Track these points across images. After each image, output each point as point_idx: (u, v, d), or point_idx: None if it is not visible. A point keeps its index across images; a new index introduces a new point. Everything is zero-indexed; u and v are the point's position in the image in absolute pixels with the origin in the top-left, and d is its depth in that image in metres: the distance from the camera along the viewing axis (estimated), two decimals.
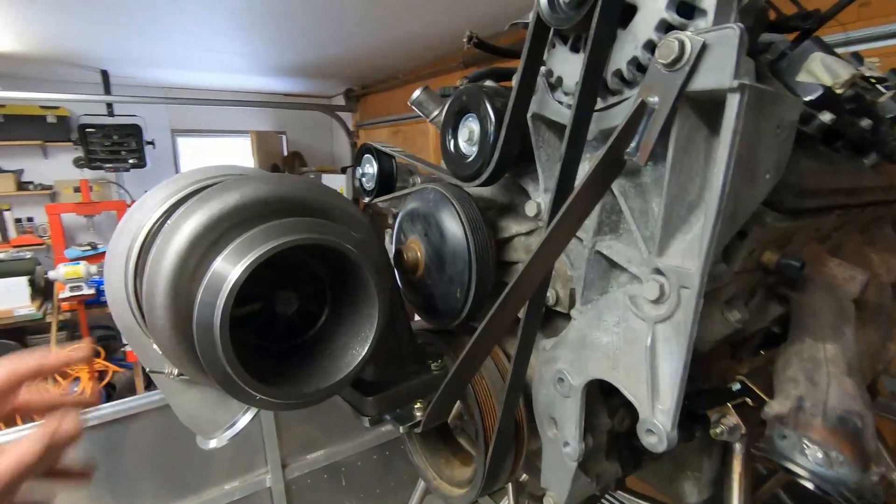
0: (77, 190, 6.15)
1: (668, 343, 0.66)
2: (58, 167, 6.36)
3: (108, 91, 5.84)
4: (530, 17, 0.72)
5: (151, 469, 2.91)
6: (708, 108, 0.61)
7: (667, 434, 0.66)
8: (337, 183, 6.46)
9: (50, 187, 6.38)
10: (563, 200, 0.71)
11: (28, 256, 5.70)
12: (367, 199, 1.23)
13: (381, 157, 1.19)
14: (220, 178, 0.94)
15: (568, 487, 0.85)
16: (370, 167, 1.21)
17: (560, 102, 0.77)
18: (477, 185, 0.85)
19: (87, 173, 6.16)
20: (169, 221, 0.71)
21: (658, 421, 0.67)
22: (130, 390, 6.09)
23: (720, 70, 0.55)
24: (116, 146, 6.01)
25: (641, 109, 0.61)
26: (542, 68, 0.78)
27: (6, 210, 6.25)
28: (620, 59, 0.66)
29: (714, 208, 0.58)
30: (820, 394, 0.74)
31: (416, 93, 1.15)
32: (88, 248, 6.13)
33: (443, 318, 0.96)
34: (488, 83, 1.14)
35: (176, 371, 0.92)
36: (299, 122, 7.91)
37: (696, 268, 0.61)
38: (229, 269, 0.63)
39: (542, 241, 0.68)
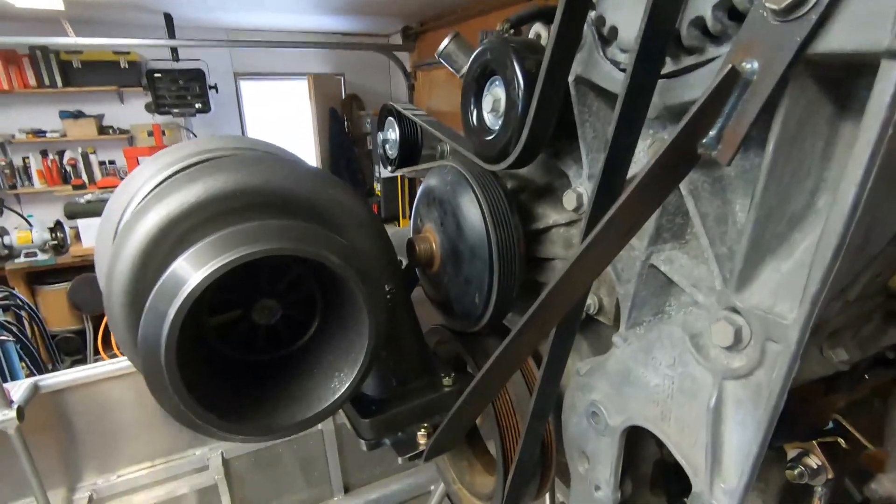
0: (150, 134, 6.42)
1: (740, 408, 0.49)
2: (133, 112, 6.63)
3: (171, 35, 5.89)
4: None
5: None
6: (838, 80, 0.40)
7: None
8: None
9: (127, 131, 6.70)
10: (609, 200, 0.53)
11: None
12: (388, 169, 1.08)
13: (403, 120, 1.02)
14: (211, 153, 0.83)
15: None
16: (392, 132, 1.04)
17: (614, 63, 0.56)
18: (503, 169, 0.68)
19: (158, 118, 6.39)
20: (126, 218, 0.61)
21: (717, 502, 0.50)
22: None
23: (871, 24, 0.34)
24: (182, 91, 6.14)
25: (732, 79, 0.41)
26: (591, 13, 0.56)
27: (91, 153, 6.67)
28: (703, 1, 0.44)
29: (839, 227, 0.38)
30: None
31: (444, 42, 0.95)
32: None
33: (460, 322, 0.82)
34: (535, 30, 0.92)
35: None
36: (357, 64, 7.68)
37: (794, 316, 0.42)
38: (189, 272, 0.51)
39: (578, 253, 0.51)
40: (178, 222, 0.58)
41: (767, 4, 0.37)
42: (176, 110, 6.12)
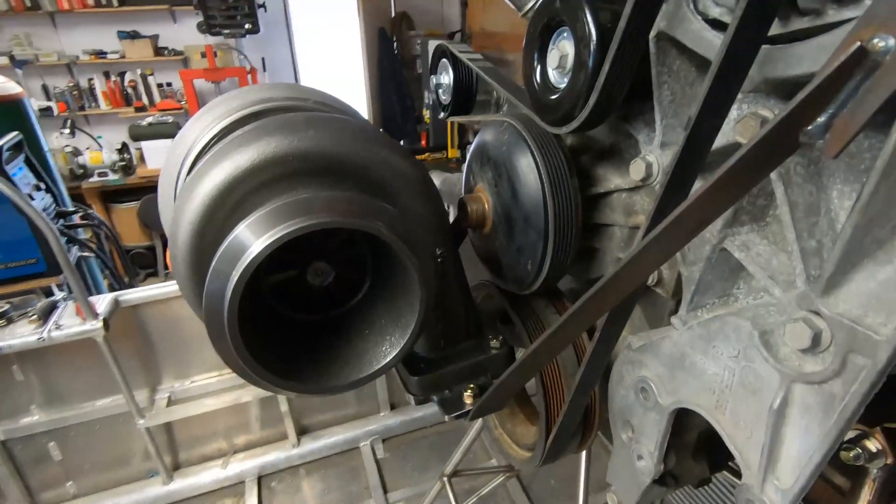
0: (203, 56, 6.43)
1: (807, 413, 0.46)
2: (186, 33, 6.62)
3: None
4: None
5: None
6: None
7: None
8: None
9: (181, 53, 6.73)
10: (686, 180, 0.49)
11: (171, 120, 6.28)
12: (442, 116, 1.03)
13: (457, 63, 0.96)
14: (264, 105, 0.81)
15: (638, 497, 0.74)
16: (446, 76, 0.98)
17: (706, 19, 0.48)
18: (567, 132, 0.62)
19: (210, 39, 6.35)
20: (187, 179, 0.62)
21: (768, 499, 0.50)
22: None
23: None
24: (231, 10, 6.02)
25: (857, 59, 0.34)
26: None
27: (150, 75, 6.79)
28: None
29: None
30: None
31: None
32: None
33: (510, 286, 0.81)
34: None
35: None
36: None
37: (888, 332, 0.38)
38: (251, 239, 0.52)
39: (649, 238, 0.47)
40: (233, 187, 0.58)
41: None
42: (227, 31, 6.04)
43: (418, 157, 6.24)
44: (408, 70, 7.04)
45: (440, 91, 1.02)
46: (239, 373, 0.58)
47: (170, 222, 0.86)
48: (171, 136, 6.03)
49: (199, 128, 0.81)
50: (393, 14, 7.29)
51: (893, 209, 0.39)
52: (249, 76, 6.47)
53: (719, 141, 0.53)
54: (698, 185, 0.49)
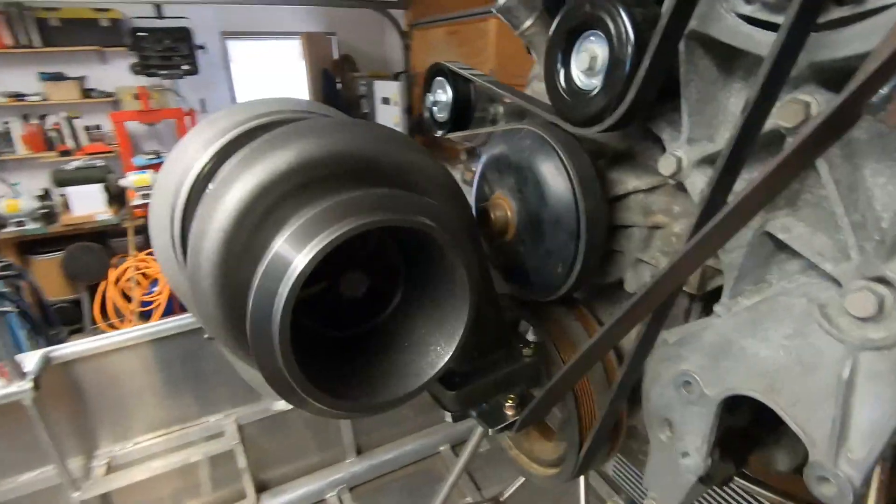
0: (136, 97, 6.17)
1: (878, 381, 0.47)
2: (117, 74, 6.35)
3: None
4: None
5: (226, 375, 3.12)
6: None
7: (853, 490, 0.50)
8: (389, 90, 6.11)
9: (111, 94, 6.43)
10: (740, 161, 0.50)
11: (100, 164, 5.92)
12: (439, 134, 1.03)
13: (456, 80, 0.97)
14: (271, 117, 0.77)
15: (682, 498, 0.73)
16: (443, 94, 0.99)
17: (740, 15, 0.52)
18: (599, 131, 0.64)
19: (144, 80, 6.13)
20: (211, 186, 0.57)
21: (843, 472, 0.50)
22: None
23: None
24: (168, 51, 5.87)
25: None
26: None
27: (76, 118, 6.41)
28: None
29: None
30: None
31: None
32: (153, 156, 6.28)
33: (534, 293, 0.80)
34: None
35: None
36: (349, 22, 7.39)
37: None
38: (293, 254, 0.49)
39: (712, 226, 0.48)
40: (269, 191, 0.54)
41: None
42: (163, 72, 5.87)
43: None
44: (353, 110, 7.10)
45: (436, 109, 1.02)
46: (291, 398, 0.53)
47: (165, 246, 0.79)
48: (102, 180, 5.67)
49: (201, 141, 0.75)
50: (336, 56, 7.40)
51: None
52: (188, 118, 6.27)
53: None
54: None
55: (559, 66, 0.67)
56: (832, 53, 0.46)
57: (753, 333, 0.58)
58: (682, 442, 0.69)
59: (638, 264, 0.79)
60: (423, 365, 0.60)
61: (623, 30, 0.56)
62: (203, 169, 0.73)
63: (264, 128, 0.75)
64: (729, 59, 0.60)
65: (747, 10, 0.52)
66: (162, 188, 0.77)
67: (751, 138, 0.50)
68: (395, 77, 6.74)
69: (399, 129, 5.85)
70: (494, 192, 0.80)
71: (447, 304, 0.60)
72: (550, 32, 0.67)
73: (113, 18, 6.12)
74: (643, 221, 0.76)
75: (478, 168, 0.86)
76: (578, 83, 0.66)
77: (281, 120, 0.77)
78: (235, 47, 6.99)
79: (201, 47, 6.10)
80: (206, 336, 0.85)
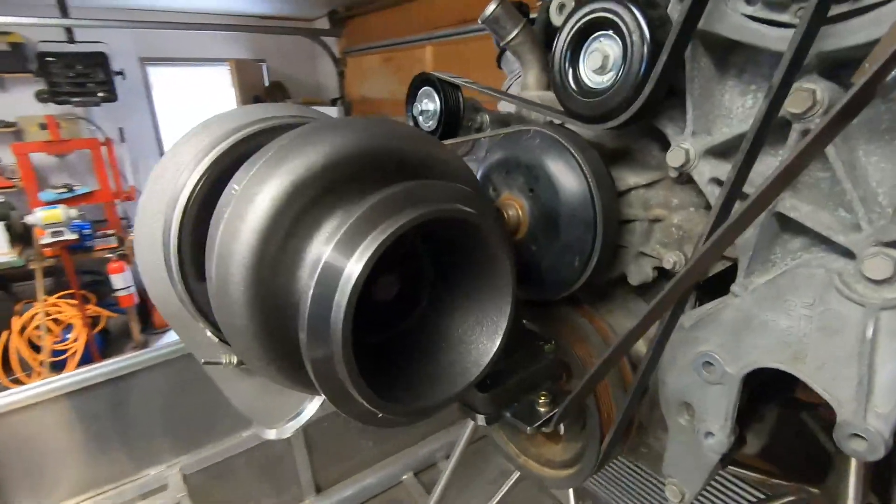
0: (44, 127, 5.65)
1: (895, 336, 0.52)
2: (19, 102, 5.80)
3: (65, 14, 5.19)
4: None
5: (164, 423, 2.84)
6: None
7: (884, 441, 0.54)
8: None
9: (13, 124, 5.84)
10: (760, 146, 0.54)
11: (0, 200, 5.33)
12: None
13: (444, 89, 0.98)
14: (262, 121, 0.74)
15: (704, 479, 0.75)
16: (430, 103, 1.00)
17: (747, 15, 0.57)
18: (610, 127, 0.67)
19: (53, 108, 5.64)
20: (237, 187, 0.53)
21: (872, 426, 0.54)
22: (125, 335, 6.00)
23: None
24: (82, 77, 5.45)
25: None
26: None
27: None
28: None
29: None
30: None
31: (491, 7, 0.92)
32: (64, 189, 5.76)
33: (545, 291, 0.81)
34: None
35: (235, 360, 0.77)
36: (280, 49, 7.28)
37: None
38: (343, 261, 0.46)
39: (744, 208, 0.52)
40: (305, 188, 0.51)
41: None
42: (76, 99, 5.43)
43: None
44: None
45: (422, 119, 1.03)
46: (348, 407, 0.49)
47: (155, 264, 0.71)
48: (4, 217, 5.10)
49: (194, 151, 0.70)
50: (267, 83, 7.23)
51: None
52: (104, 148, 5.83)
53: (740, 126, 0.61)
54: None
55: (567, 66, 0.70)
56: (839, 43, 0.51)
57: (774, 307, 0.62)
58: (704, 423, 0.72)
59: (640, 257, 0.83)
60: (467, 363, 0.58)
61: (639, 30, 0.60)
62: (202, 177, 0.68)
63: (268, 132, 0.71)
64: (724, 57, 0.66)
65: (749, 10, 0.58)
66: (151, 203, 0.71)
67: (769, 125, 0.54)
68: (333, 103, 6.69)
69: None
70: (502, 193, 0.81)
71: (486, 298, 0.59)
72: (562, 33, 0.70)
73: (13, 42, 5.62)
74: (644, 215, 0.79)
75: (478, 172, 0.86)
76: (588, 82, 0.69)
77: (285, 124, 0.73)
78: (158, 73, 6.64)
79: (119, 73, 5.73)
80: (202, 361, 0.78)
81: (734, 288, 0.66)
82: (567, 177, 0.71)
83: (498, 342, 0.58)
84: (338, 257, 0.46)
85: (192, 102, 6.98)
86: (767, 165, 0.61)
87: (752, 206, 0.52)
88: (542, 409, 0.68)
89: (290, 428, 0.91)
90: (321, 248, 0.50)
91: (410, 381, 0.57)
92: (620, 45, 0.63)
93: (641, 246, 0.81)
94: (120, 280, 5.54)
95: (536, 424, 0.67)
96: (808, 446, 1.23)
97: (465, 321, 0.60)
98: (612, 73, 0.66)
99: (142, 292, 6.14)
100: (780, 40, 0.55)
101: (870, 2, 0.48)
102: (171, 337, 6.20)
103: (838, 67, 0.55)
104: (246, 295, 0.51)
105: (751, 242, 0.64)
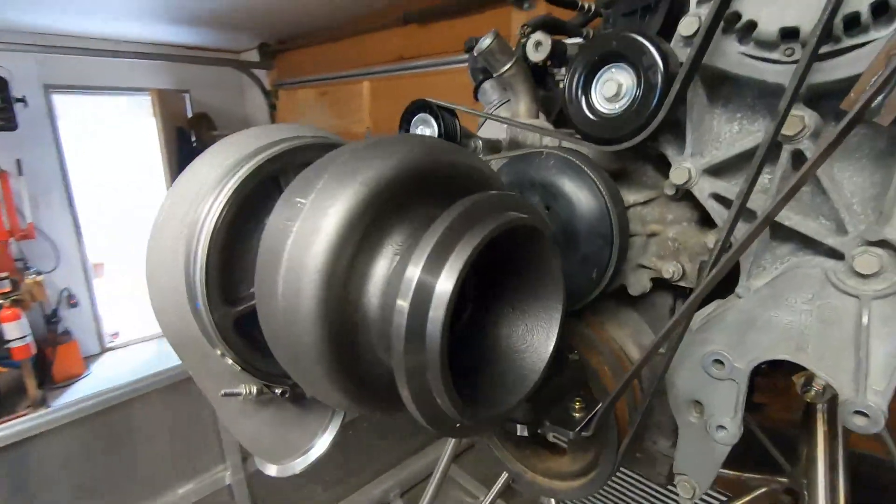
0: None
1: (887, 322, 0.61)
2: None
3: None
4: None
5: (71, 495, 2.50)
6: None
7: (883, 415, 0.62)
8: None
9: None
10: (760, 171, 0.63)
11: None
12: None
13: (443, 114, 1.01)
14: (284, 141, 0.73)
15: (715, 472, 0.80)
16: (427, 128, 1.03)
17: (747, 55, 0.66)
18: (625, 149, 0.74)
19: None
20: (302, 200, 0.52)
21: (872, 403, 0.62)
22: (19, 391, 5.28)
23: None
24: None
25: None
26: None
27: None
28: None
29: None
30: None
31: (487, 40, 0.99)
32: None
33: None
34: (535, 38, 1.03)
35: (255, 390, 0.72)
36: (205, 80, 7.01)
37: None
38: (433, 275, 0.46)
39: (758, 223, 0.59)
40: (377, 200, 0.51)
41: None
42: None
43: None
44: None
45: None
46: (441, 424, 0.49)
47: (171, 289, 0.67)
48: None
49: (216, 173, 0.67)
50: (190, 114, 6.91)
51: None
52: None
53: (753, 141, 0.71)
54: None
55: (579, 93, 0.77)
56: (824, 77, 0.61)
57: (777, 304, 0.70)
58: (714, 417, 0.78)
59: (638, 270, 0.89)
60: (524, 370, 0.60)
61: (655, 63, 0.68)
62: (231, 198, 0.65)
63: (291, 152, 0.71)
64: (714, 89, 0.75)
65: (743, 49, 0.67)
66: (169, 225, 0.67)
67: (773, 147, 0.63)
68: None
69: None
70: None
71: (537, 305, 0.61)
72: (576, 65, 0.76)
73: None
74: (642, 230, 0.87)
75: None
76: (601, 108, 0.76)
77: (309, 144, 0.73)
78: (68, 102, 6.11)
79: (21, 100, 5.22)
80: (222, 392, 0.73)
81: (738, 290, 0.74)
82: (584, 194, 0.76)
83: (551, 348, 0.60)
84: (429, 272, 0.47)
85: (107, 133, 6.49)
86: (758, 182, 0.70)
87: (763, 220, 0.60)
88: (577, 415, 0.71)
89: (296, 465, 0.86)
90: (388, 261, 0.51)
91: (473, 390, 0.57)
92: (634, 75, 0.71)
93: (640, 259, 0.88)
94: (14, 329, 4.91)
95: (578, 429, 0.69)
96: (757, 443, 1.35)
97: (515, 330, 0.62)
98: (624, 100, 0.73)
99: (40, 342, 5.46)
100: (774, 73, 0.65)
101: (849, 45, 0.59)
102: (79, 392, 5.52)
103: (819, 98, 0.66)
104: (319, 309, 0.49)
105: (752, 250, 0.72)
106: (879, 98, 0.55)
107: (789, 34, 0.62)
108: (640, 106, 0.71)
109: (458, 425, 0.51)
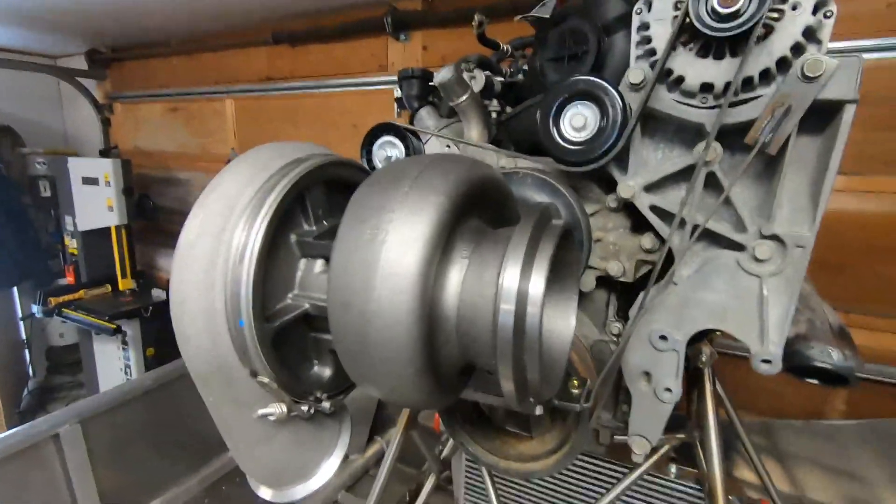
0: None
1: (778, 293, 0.87)
2: None
3: None
4: (677, 19, 0.81)
5: None
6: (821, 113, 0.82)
7: (780, 361, 0.87)
8: (96, 169, 4.98)
9: None
10: (694, 190, 0.84)
11: None
12: None
13: (406, 138, 1.10)
14: (312, 158, 0.75)
15: (662, 427, 1.00)
16: (394, 150, 1.10)
17: (676, 101, 0.88)
18: (587, 169, 0.91)
19: None
20: (394, 207, 0.57)
21: (772, 352, 0.87)
22: None
23: (846, 85, 0.76)
24: None
25: (782, 108, 0.79)
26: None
27: None
28: (753, 68, 0.81)
29: (829, 188, 0.80)
30: (820, 315, 1.07)
31: (446, 73, 1.10)
32: None
33: None
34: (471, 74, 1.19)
35: (285, 409, 0.70)
36: (10, 89, 5.85)
37: (809, 231, 0.83)
38: (525, 284, 0.55)
39: (699, 232, 0.80)
40: (456, 209, 0.58)
41: (807, 73, 0.75)
42: None
43: (70, 296, 4.80)
44: (30, 194, 5.52)
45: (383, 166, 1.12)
46: (524, 400, 0.56)
47: (205, 311, 0.63)
48: None
49: (250, 192, 0.67)
50: None
51: (798, 176, 0.85)
52: None
53: (672, 166, 0.93)
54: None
55: (551, 124, 0.92)
56: (735, 119, 0.85)
57: (704, 287, 0.92)
58: (661, 382, 0.98)
59: (586, 270, 1.08)
60: (553, 354, 0.71)
61: (615, 101, 0.86)
62: (273, 215, 0.66)
63: (323, 168, 0.73)
64: (645, 124, 0.97)
65: (671, 96, 0.90)
66: (201, 245, 0.64)
67: (701, 169, 0.85)
68: (105, 154, 5.61)
69: (115, 213, 4.87)
70: None
71: (559, 295, 0.73)
72: (549, 99, 0.91)
73: None
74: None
75: None
76: (567, 135, 0.92)
77: (333, 161, 0.75)
78: None
79: None
80: (257, 414, 0.70)
81: (675, 279, 0.95)
82: (561, 207, 0.91)
83: (572, 332, 0.72)
84: (524, 277, 0.55)
85: None
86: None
87: (696, 227, 0.81)
88: (576, 392, 0.84)
89: (295, 493, 0.84)
90: (460, 265, 0.58)
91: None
92: (598, 111, 0.89)
93: (587, 261, 1.06)
94: None
95: (578, 403, 0.82)
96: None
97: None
98: (587, 131, 0.90)
99: None
100: (697, 115, 0.87)
101: (750, 96, 0.84)
102: None
103: (725, 134, 0.90)
104: (420, 310, 0.54)
105: (684, 248, 0.94)
106: (770, 135, 0.80)
107: (706, 88, 0.85)
108: (601, 136, 0.88)
109: (533, 400, 0.60)
